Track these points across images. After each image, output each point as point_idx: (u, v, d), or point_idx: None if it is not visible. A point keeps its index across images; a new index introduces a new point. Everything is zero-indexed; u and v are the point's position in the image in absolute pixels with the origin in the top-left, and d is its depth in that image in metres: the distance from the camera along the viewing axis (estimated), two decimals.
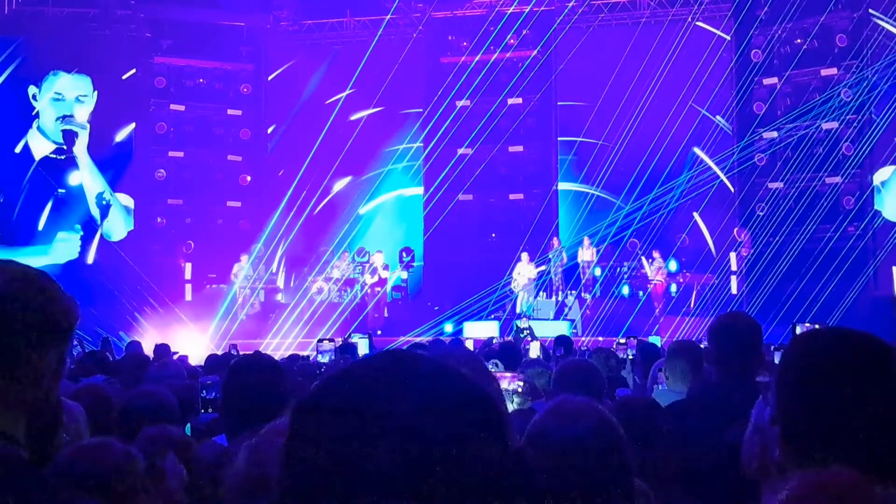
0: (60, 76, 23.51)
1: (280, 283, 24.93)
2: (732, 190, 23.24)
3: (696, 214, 23.47)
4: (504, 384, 5.57)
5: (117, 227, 23.67)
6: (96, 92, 23.67)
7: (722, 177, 23.36)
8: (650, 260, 22.87)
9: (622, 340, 9.86)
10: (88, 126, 23.55)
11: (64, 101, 23.49)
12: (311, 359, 9.88)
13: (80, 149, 23.45)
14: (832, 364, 1.94)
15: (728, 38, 23.50)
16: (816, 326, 7.84)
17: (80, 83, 23.61)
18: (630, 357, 8.09)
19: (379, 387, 1.15)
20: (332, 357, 6.49)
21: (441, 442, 1.11)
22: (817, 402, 1.92)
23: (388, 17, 25.66)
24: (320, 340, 9.98)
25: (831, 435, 1.87)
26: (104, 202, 23.26)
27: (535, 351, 10.09)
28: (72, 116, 23.38)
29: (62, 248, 23.08)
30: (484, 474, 1.13)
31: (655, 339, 10.52)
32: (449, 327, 21.81)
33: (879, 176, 21.10)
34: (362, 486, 1.10)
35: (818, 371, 1.95)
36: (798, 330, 7.85)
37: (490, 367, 6.38)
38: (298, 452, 1.16)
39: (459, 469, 1.11)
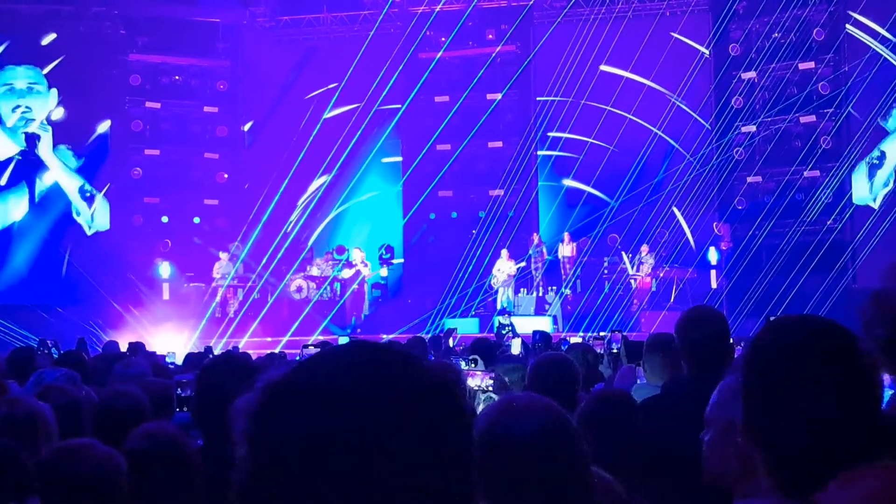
0: (9, 69, 23.36)
1: (259, 282, 24.80)
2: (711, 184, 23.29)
3: (675, 209, 23.50)
4: (476, 381, 5.52)
5: (103, 217, 23.64)
6: (55, 89, 23.46)
7: (686, 160, 23.36)
8: (636, 255, 22.88)
9: (601, 334, 9.82)
10: (50, 128, 23.38)
11: (14, 90, 23.32)
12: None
13: (45, 150, 23.28)
14: (788, 350, 1.94)
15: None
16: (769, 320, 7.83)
17: (30, 73, 23.44)
18: (615, 350, 8.03)
19: (350, 372, 1.21)
20: None
21: (407, 425, 1.18)
22: (777, 393, 1.91)
23: (365, 12, 25.63)
24: (305, 346, 9.90)
25: (791, 423, 1.86)
26: (88, 194, 23.23)
27: (516, 348, 10.04)
28: (28, 108, 23.19)
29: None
30: (449, 458, 1.20)
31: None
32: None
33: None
34: (331, 466, 1.16)
35: (785, 359, 1.94)
36: None
37: (468, 364, 6.32)
38: (268, 432, 1.20)
39: (425, 452, 1.18)
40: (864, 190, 21.08)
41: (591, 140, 23.73)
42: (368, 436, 1.16)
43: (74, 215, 23.46)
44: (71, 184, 23.38)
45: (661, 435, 3.61)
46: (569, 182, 25.03)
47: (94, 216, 23.50)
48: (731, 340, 4.57)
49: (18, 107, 23.21)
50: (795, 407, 1.85)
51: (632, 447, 3.56)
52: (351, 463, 1.15)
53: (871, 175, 20.96)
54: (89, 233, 23.53)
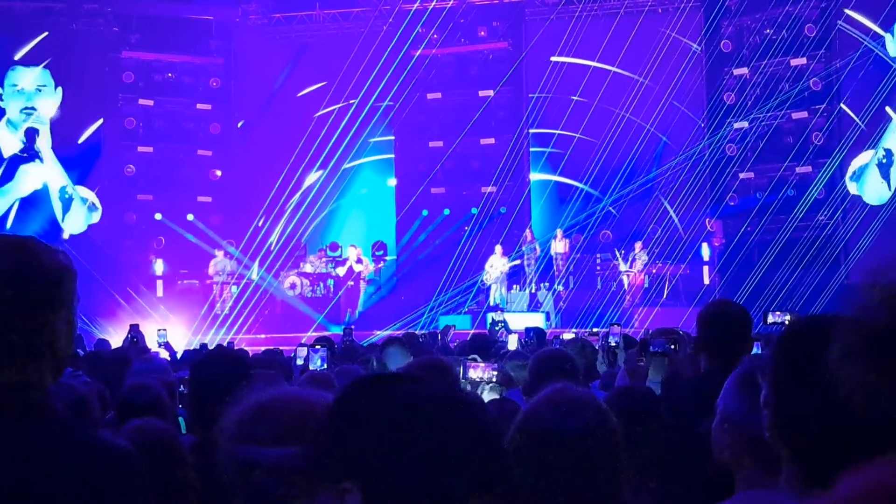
0: (18, 70, 23.41)
1: (253, 279, 24.80)
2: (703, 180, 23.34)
3: (667, 205, 23.54)
4: (477, 373, 5.55)
5: (76, 220, 23.66)
6: (60, 88, 23.50)
7: (678, 156, 23.42)
8: (629, 251, 22.90)
9: (595, 330, 9.83)
10: (48, 121, 23.41)
11: (24, 92, 23.38)
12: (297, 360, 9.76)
13: (43, 143, 23.35)
14: (811, 350, 1.95)
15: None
16: (787, 316, 7.85)
17: (39, 75, 23.48)
18: (612, 344, 8.04)
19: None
20: (324, 361, 6.41)
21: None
22: (812, 386, 1.93)
23: (358, 9, 25.62)
24: (301, 344, 9.88)
25: (825, 419, 1.89)
26: (66, 196, 23.25)
27: (513, 343, 10.07)
28: (34, 109, 23.26)
29: None
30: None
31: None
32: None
33: (858, 161, 21.28)
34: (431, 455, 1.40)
35: (814, 357, 1.96)
36: (769, 318, 7.85)
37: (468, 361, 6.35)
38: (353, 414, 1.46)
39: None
40: (881, 189, 21.10)
41: (583, 136, 23.74)
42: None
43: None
44: (56, 182, 23.43)
45: (680, 430, 3.63)
46: (561, 179, 25.06)
47: (66, 219, 23.53)
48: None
49: (26, 108, 23.26)
50: (826, 405, 1.88)
51: (656, 444, 3.59)
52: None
53: (885, 174, 21.03)
54: (64, 235, 23.50)
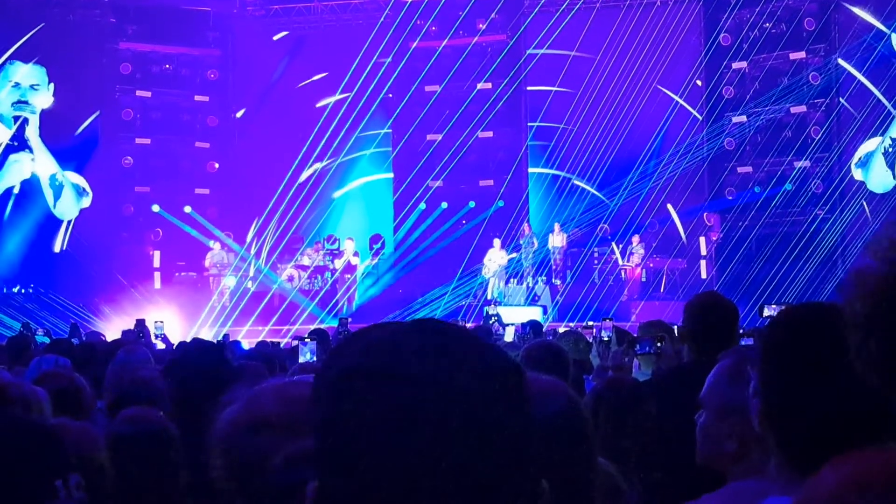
0: (16, 65, 23.35)
1: (251, 271, 24.80)
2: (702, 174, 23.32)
3: (665, 199, 23.51)
4: None
5: (68, 207, 23.69)
6: (52, 84, 23.47)
7: (677, 150, 23.40)
8: (627, 245, 22.89)
9: (589, 324, 9.83)
10: (38, 111, 23.40)
11: (19, 88, 23.36)
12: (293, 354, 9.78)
13: (32, 132, 23.39)
14: (817, 336, 1.95)
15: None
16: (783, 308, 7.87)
17: (35, 72, 23.48)
18: (605, 339, 8.04)
19: (421, 353, 1.20)
20: (313, 354, 6.39)
21: (481, 407, 1.18)
22: (801, 374, 1.93)
23: (356, 1, 25.56)
24: (296, 338, 9.89)
25: (814, 407, 1.88)
26: (57, 183, 23.28)
27: (509, 336, 10.09)
28: (26, 102, 23.27)
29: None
30: (514, 440, 1.20)
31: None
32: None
33: (865, 147, 21.24)
34: (404, 447, 1.15)
35: (802, 344, 1.96)
36: (765, 311, 7.85)
37: None
38: (343, 415, 1.18)
39: (493, 433, 1.18)
40: (886, 178, 21.08)
41: (580, 130, 23.69)
42: (440, 415, 1.16)
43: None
44: (46, 170, 23.45)
45: (662, 420, 3.62)
46: (559, 172, 25.03)
47: (61, 207, 23.60)
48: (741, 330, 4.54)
49: (20, 102, 23.26)
50: (815, 393, 1.88)
51: (642, 434, 3.58)
52: (422, 442, 1.15)
53: (891, 163, 21.02)
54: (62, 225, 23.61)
